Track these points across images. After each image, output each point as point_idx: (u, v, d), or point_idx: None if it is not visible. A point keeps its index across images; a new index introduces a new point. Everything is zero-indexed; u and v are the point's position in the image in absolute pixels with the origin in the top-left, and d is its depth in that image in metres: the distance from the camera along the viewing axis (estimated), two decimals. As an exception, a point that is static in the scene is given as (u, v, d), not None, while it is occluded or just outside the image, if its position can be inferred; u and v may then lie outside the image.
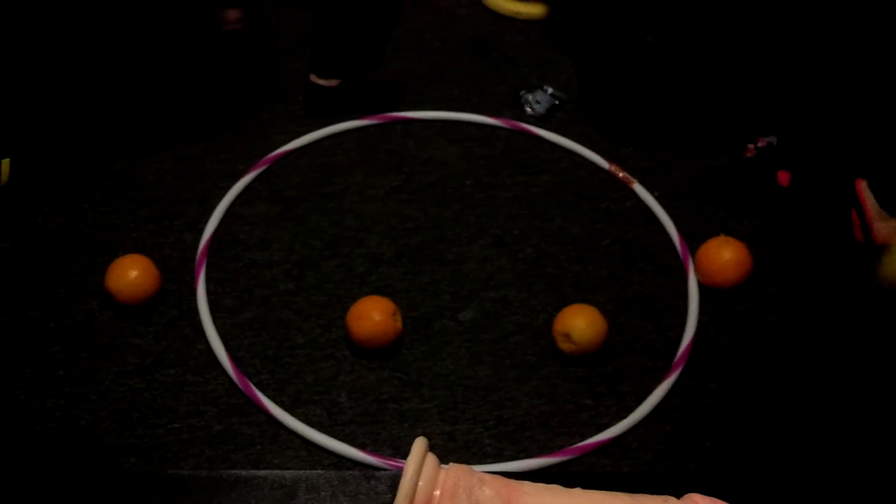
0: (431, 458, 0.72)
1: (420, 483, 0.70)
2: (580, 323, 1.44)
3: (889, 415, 1.39)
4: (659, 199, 1.68)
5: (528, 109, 1.83)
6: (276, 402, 1.37)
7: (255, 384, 1.39)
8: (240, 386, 1.38)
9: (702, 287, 1.54)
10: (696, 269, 1.56)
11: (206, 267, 1.53)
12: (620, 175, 1.72)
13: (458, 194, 1.69)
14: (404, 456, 1.34)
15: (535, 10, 2.05)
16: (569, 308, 1.47)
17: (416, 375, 1.44)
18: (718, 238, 1.56)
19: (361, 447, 1.33)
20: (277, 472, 0.71)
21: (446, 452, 1.34)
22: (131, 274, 1.43)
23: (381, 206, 1.66)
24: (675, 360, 1.46)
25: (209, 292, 1.50)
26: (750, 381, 1.45)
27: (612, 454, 1.36)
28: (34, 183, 1.60)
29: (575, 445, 1.34)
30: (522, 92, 1.85)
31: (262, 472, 0.71)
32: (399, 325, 1.45)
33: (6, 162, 1.56)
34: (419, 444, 0.72)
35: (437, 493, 0.70)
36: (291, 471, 0.72)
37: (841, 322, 1.52)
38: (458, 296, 1.55)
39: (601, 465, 1.34)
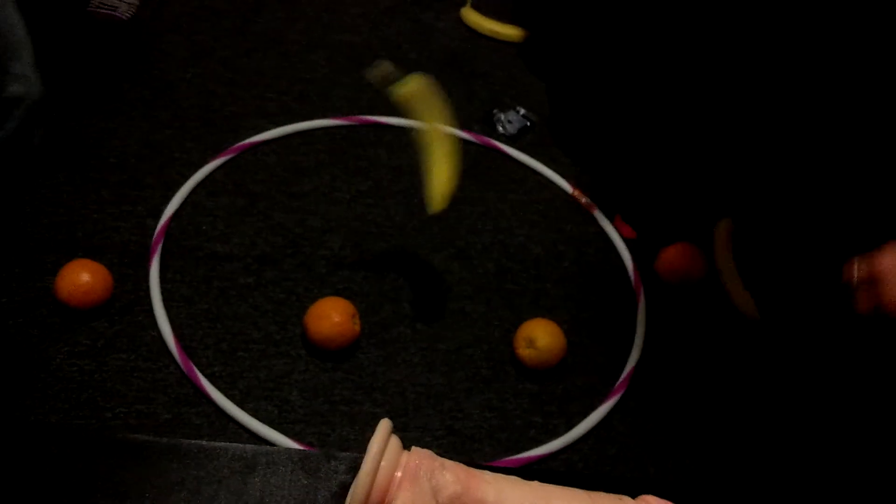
0: (395, 440, 0.75)
1: (382, 463, 0.72)
2: (545, 332, 1.48)
3: (831, 426, 1.44)
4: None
5: (500, 128, 1.87)
6: (227, 395, 1.38)
7: (206, 375, 1.40)
8: (188, 375, 1.39)
9: (649, 312, 1.60)
10: (657, 268, 1.67)
11: (166, 255, 1.54)
12: (583, 200, 1.76)
13: (424, 204, 1.72)
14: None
15: (512, 32, 2.10)
16: (534, 319, 1.51)
17: (369, 379, 1.46)
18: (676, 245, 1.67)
19: (309, 445, 1.35)
20: (238, 444, 0.73)
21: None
22: (82, 278, 1.42)
23: (346, 209, 1.68)
24: (619, 382, 1.50)
25: (167, 280, 1.51)
26: (694, 405, 1.49)
27: (556, 467, 1.39)
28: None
29: (517, 456, 1.38)
30: (495, 111, 1.89)
31: (221, 444, 0.73)
32: (357, 327, 1.47)
33: None
34: (384, 424, 0.74)
35: (399, 474, 0.73)
36: (252, 445, 0.74)
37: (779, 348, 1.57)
38: (417, 305, 1.57)
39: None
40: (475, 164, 1.82)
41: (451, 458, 1.38)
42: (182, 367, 1.40)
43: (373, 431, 1.38)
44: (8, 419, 1.20)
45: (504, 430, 1.43)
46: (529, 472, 0.79)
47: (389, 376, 1.47)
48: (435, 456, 0.76)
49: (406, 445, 1.35)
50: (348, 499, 0.71)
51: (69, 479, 0.69)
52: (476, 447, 1.41)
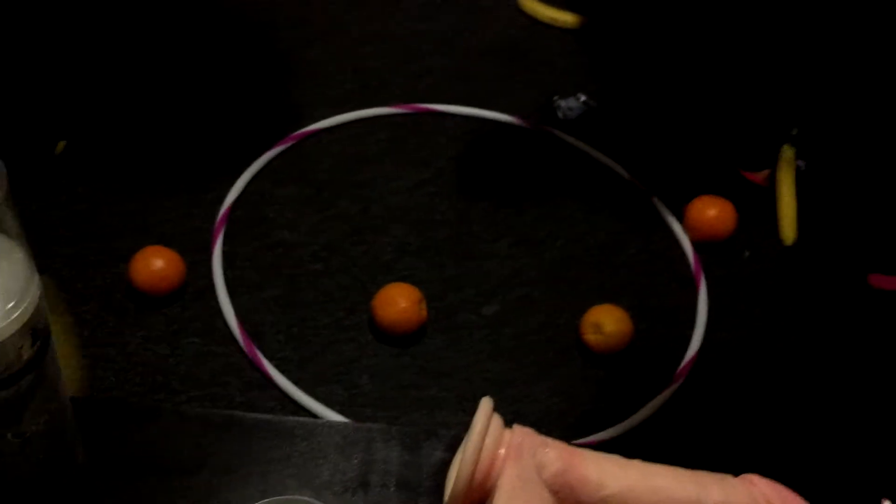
0: (497, 418, 0.76)
1: (487, 440, 0.74)
2: (612, 318, 1.50)
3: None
4: (676, 212, 1.74)
5: (560, 115, 1.88)
6: (297, 379, 1.41)
7: (277, 359, 1.43)
8: (253, 361, 1.42)
9: (711, 295, 1.60)
10: (685, 226, 1.70)
11: (233, 242, 1.57)
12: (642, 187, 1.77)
13: (486, 192, 1.74)
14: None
15: (570, 19, 2.10)
16: (602, 305, 1.52)
17: (436, 364, 1.48)
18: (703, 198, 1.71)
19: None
20: (338, 420, 0.75)
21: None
22: (156, 264, 1.45)
23: (408, 197, 1.71)
24: (680, 368, 1.51)
25: (236, 266, 1.54)
26: (755, 393, 1.50)
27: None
28: (76, 155, 1.64)
29: (583, 440, 1.39)
30: (555, 97, 1.90)
31: (321, 421, 0.76)
32: (424, 313, 1.50)
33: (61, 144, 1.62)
34: (486, 402, 0.76)
35: (503, 451, 0.74)
36: (353, 422, 0.77)
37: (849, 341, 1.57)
38: (482, 290, 1.59)
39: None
40: (536, 152, 1.83)
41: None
42: (246, 352, 1.43)
43: (442, 416, 1.42)
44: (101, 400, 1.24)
45: (570, 414, 1.45)
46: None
47: (456, 362, 1.49)
48: (537, 434, 0.77)
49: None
50: (454, 475, 0.72)
51: (177, 455, 0.72)
52: (544, 431, 1.42)
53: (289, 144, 1.74)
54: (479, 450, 0.73)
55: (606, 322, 1.50)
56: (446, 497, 0.74)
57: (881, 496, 0.82)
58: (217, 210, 1.61)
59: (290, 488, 0.71)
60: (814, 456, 1.44)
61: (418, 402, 1.42)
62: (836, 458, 1.43)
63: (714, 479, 0.77)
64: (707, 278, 1.64)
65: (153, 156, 1.67)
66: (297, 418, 0.75)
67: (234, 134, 1.75)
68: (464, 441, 0.74)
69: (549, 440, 0.77)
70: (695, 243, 1.69)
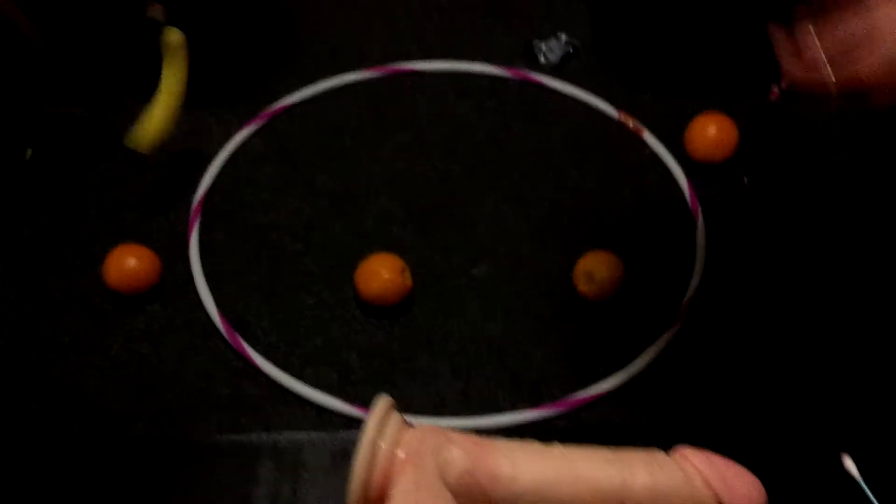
0: (396, 418, 0.74)
1: (382, 444, 0.71)
2: (603, 264, 1.47)
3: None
4: (670, 147, 1.69)
5: (542, 58, 1.84)
6: (286, 364, 1.40)
7: (264, 346, 1.43)
8: (237, 350, 1.41)
9: (709, 228, 1.56)
10: (686, 146, 1.66)
11: (210, 231, 1.56)
12: (630, 125, 1.72)
13: (469, 150, 1.71)
14: (417, 413, 1.37)
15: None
16: (591, 252, 1.50)
17: (427, 334, 1.47)
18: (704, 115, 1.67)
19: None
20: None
21: (460, 409, 1.38)
22: (129, 263, 1.45)
23: (389, 163, 1.68)
24: (680, 311, 1.48)
25: (214, 256, 1.54)
26: (757, 333, 1.46)
27: (620, 404, 1.39)
28: (44, 161, 1.65)
29: (585, 394, 1.38)
30: (535, 40, 1.86)
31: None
32: (409, 282, 1.48)
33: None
34: (381, 402, 0.73)
35: (402, 454, 0.72)
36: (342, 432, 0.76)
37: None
38: (470, 253, 1.57)
39: (609, 415, 1.37)
40: (517, 101, 1.78)
41: (520, 405, 1.39)
42: (231, 343, 1.42)
43: (437, 386, 1.41)
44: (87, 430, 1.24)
45: (571, 369, 1.42)
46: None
47: (448, 329, 1.48)
48: (442, 430, 0.75)
49: (472, 396, 1.37)
50: (348, 486, 0.70)
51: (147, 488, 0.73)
52: (545, 391, 1.41)
53: (260, 124, 1.72)
54: (370, 457, 0.70)
55: (597, 269, 1.47)
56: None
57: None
58: (191, 201, 1.60)
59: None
60: (822, 386, 1.40)
61: (412, 375, 1.41)
62: (841, 389, 1.40)
63: (641, 459, 0.75)
64: (704, 212, 1.60)
65: (121, 151, 1.66)
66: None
67: (199, 118, 1.72)
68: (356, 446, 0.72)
69: (456, 435, 0.74)
70: (693, 169, 1.64)
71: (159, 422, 1.32)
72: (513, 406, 1.38)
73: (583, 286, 1.48)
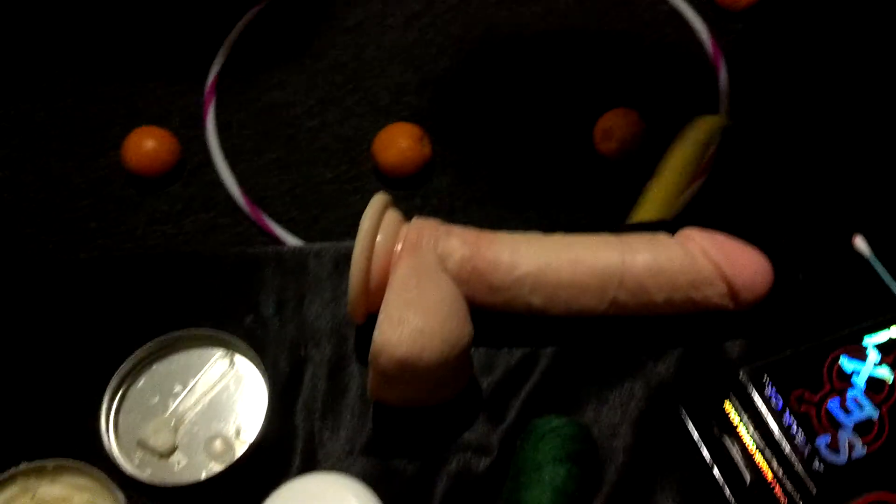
0: (393, 213, 0.75)
1: (379, 237, 0.73)
2: (622, 121, 1.48)
3: None
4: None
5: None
6: (309, 237, 1.44)
7: (284, 222, 1.46)
8: (260, 226, 1.45)
9: (731, 78, 1.56)
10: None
11: (225, 111, 1.58)
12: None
13: (482, 15, 1.70)
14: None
15: None
16: (611, 111, 1.51)
17: (449, 201, 1.49)
18: None
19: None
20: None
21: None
22: (148, 145, 1.48)
23: (401, 33, 1.68)
24: (704, 162, 1.49)
25: (231, 135, 1.56)
26: (784, 172, 1.47)
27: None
28: (49, 46, 1.66)
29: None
30: None
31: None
32: (428, 150, 1.50)
33: None
34: (377, 198, 0.75)
35: (399, 247, 0.74)
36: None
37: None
38: (488, 117, 1.58)
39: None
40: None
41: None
42: (254, 219, 1.46)
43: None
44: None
45: (593, 227, 1.44)
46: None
47: (469, 195, 1.50)
48: (441, 223, 0.76)
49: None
50: (349, 281, 0.73)
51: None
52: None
53: (269, 0, 1.72)
54: (368, 250, 0.72)
55: (616, 127, 1.48)
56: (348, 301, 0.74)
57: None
58: (205, 81, 1.62)
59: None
60: (834, 170, 1.41)
61: (434, 242, 1.44)
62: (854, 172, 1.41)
63: (643, 240, 0.76)
64: (727, 61, 1.59)
65: (133, 37, 1.68)
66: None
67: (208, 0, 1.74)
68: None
69: (455, 228, 0.76)
70: (714, 18, 1.63)
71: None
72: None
73: (602, 144, 1.49)
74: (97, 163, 1.51)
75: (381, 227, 0.75)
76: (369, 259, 0.72)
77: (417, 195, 1.48)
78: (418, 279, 0.71)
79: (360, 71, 1.63)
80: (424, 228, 0.77)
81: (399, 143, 1.46)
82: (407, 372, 0.68)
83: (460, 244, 0.75)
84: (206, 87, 1.58)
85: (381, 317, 0.68)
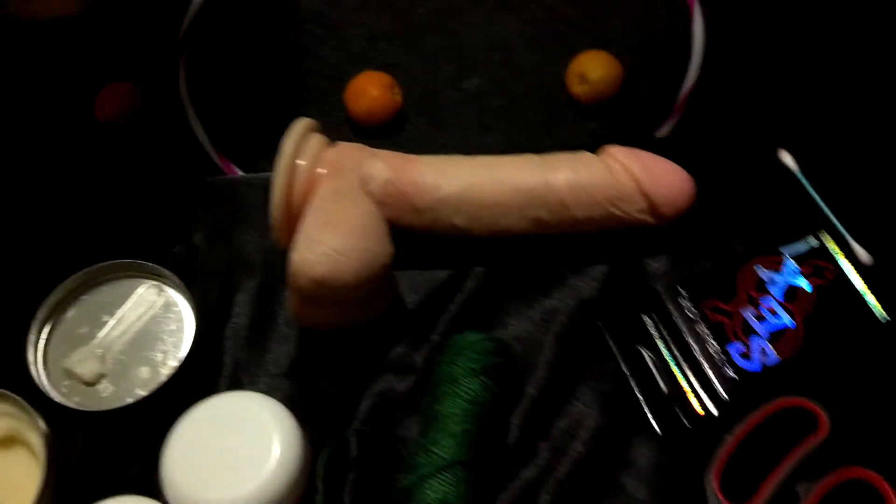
0: (317, 138, 0.78)
1: (300, 161, 0.75)
2: (596, 64, 1.48)
3: None
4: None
5: None
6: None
7: (260, 171, 1.48)
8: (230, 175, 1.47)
9: (707, 21, 1.56)
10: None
11: (194, 62, 1.59)
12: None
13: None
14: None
15: None
16: (584, 52, 1.51)
17: (420, 149, 1.47)
18: None
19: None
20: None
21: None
22: (123, 100, 1.48)
23: (378, -19, 1.70)
24: (677, 104, 1.49)
25: (203, 87, 1.57)
26: (760, 116, 1.47)
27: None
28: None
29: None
30: None
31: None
32: (398, 98, 1.51)
33: None
34: (298, 123, 0.77)
35: (321, 170, 0.76)
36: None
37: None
38: (463, 65, 1.59)
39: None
40: None
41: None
42: (224, 171, 1.48)
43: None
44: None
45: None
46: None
47: (441, 142, 1.50)
48: (366, 147, 0.79)
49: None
50: (270, 205, 0.75)
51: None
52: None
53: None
54: (288, 173, 0.74)
55: (591, 69, 1.49)
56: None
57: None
58: (176, 34, 1.63)
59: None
60: (760, 86, 1.41)
61: (407, 189, 1.46)
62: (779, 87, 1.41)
63: (565, 158, 0.78)
64: (702, 3, 1.59)
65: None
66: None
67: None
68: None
69: (381, 151, 0.78)
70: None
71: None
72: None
73: (576, 88, 1.50)
74: (71, 119, 1.53)
75: (303, 151, 0.77)
76: (290, 183, 0.74)
77: (390, 143, 1.48)
78: (337, 201, 0.73)
79: (332, 18, 1.63)
80: (348, 152, 0.79)
81: (370, 91, 1.47)
82: (325, 291, 0.70)
83: (384, 166, 0.77)
84: (178, 36, 1.60)
85: (297, 237, 0.71)
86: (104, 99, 1.50)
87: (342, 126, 1.56)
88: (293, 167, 0.74)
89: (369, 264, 0.70)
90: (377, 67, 1.58)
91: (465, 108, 1.54)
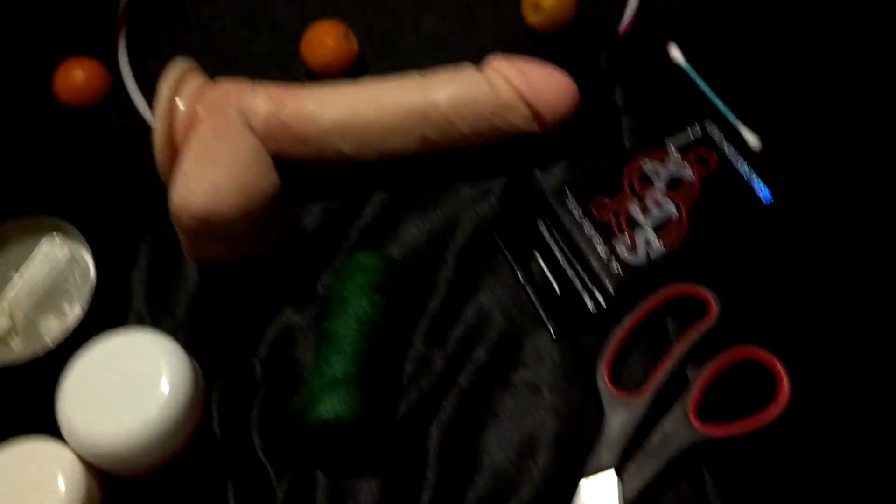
0: (196, 76, 0.79)
1: (179, 100, 0.77)
2: None
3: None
4: None
5: None
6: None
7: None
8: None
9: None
10: None
11: (143, 30, 1.59)
12: None
13: None
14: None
15: None
16: None
17: (382, 95, 1.52)
18: None
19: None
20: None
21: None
22: (78, 76, 1.51)
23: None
24: (621, 31, 1.47)
25: (155, 55, 1.58)
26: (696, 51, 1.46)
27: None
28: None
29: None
30: None
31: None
32: (354, 46, 1.52)
33: None
34: (175, 64, 0.79)
35: (201, 108, 0.78)
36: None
37: None
38: (419, 5, 1.59)
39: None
40: None
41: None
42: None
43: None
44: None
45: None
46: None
47: (402, 85, 1.52)
48: (247, 82, 0.80)
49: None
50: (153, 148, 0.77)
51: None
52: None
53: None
54: (168, 113, 0.76)
55: (543, -1, 1.48)
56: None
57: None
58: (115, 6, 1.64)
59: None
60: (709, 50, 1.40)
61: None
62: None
63: (447, 75, 0.79)
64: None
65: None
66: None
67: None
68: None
69: (261, 86, 0.80)
70: None
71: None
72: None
73: (531, 18, 1.50)
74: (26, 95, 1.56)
75: (182, 91, 0.78)
76: (170, 122, 0.76)
77: (351, 91, 1.51)
78: (216, 136, 0.75)
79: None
80: (228, 88, 0.81)
81: (325, 42, 1.49)
82: (209, 226, 0.72)
83: (265, 100, 0.79)
84: (119, 7, 1.60)
85: (176, 175, 0.73)
86: (63, 76, 1.52)
87: (303, 80, 1.57)
88: (172, 108, 0.76)
89: (252, 196, 0.72)
90: (333, 16, 1.59)
91: (423, 50, 1.55)
